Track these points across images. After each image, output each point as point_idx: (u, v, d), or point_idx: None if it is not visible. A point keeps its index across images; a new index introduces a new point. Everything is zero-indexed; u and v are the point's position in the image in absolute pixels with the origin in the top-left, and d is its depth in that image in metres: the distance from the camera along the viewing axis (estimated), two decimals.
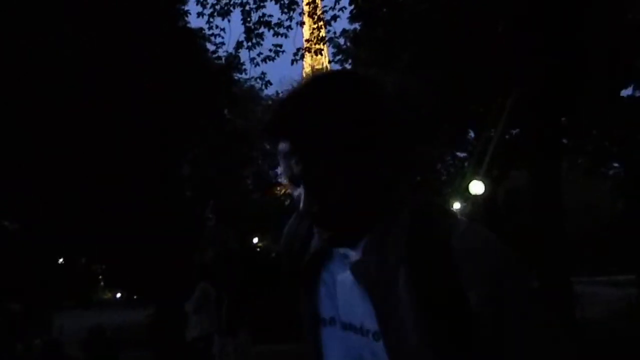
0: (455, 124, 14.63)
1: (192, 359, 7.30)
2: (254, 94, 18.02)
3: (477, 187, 14.82)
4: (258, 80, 11.53)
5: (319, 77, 0.99)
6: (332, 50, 19.29)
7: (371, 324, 0.90)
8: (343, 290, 0.96)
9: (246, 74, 12.00)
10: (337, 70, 1.03)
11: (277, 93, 19.22)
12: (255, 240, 22.43)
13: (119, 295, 30.82)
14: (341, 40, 17.04)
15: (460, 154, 22.13)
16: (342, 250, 0.96)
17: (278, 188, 21.25)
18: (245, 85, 16.07)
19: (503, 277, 0.83)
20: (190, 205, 15.24)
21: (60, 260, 14.96)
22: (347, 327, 0.95)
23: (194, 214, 15.52)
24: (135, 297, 22.92)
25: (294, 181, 0.94)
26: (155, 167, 11.38)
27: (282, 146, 0.93)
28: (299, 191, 0.94)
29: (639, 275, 16.66)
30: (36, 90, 7.47)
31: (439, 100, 10.75)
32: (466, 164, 22.05)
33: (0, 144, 7.53)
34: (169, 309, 12.32)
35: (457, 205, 24.73)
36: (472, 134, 18.84)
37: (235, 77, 12.90)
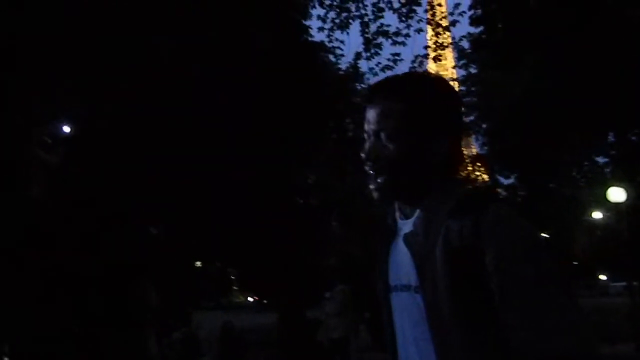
0: (591, 127, 13.61)
1: (330, 359, 7.55)
2: None
3: (617, 194, 13.66)
4: None
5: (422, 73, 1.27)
6: (456, 55, 18.96)
7: (414, 281, 1.12)
8: (400, 257, 1.17)
9: (365, 84, 12.19)
10: (430, 73, 1.27)
11: None
12: None
13: (250, 299, 32.38)
14: (464, 44, 16.67)
15: (600, 160, 20.43)
16: (400, 225, 1.20)
17: None
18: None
19: (511, 248, 1.01)
20: (315, 212, 15.71)
21: (198, 263, 16.17)
22: (402, 288, 1.17)
23: (319, 221, 15.97)
24: (264, 301, 23.89)
25: (375, 154, 1.15)
26: (282, 176, 11.94)
27: (382, 109, 1.16)
28: (369, 167, 1.16)
29: None
30: (174, 102, 8.22)
31: (568, 103, 10.13)
32: (607, 169, 20.37)
33: (145, 155, 8.37)
34: (296, 312, 12.81)
35: (597, 215, 22.79)
36: (612, 137, 17.37)
37: (356, 87, 13.16)
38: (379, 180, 1.16)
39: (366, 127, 1.19)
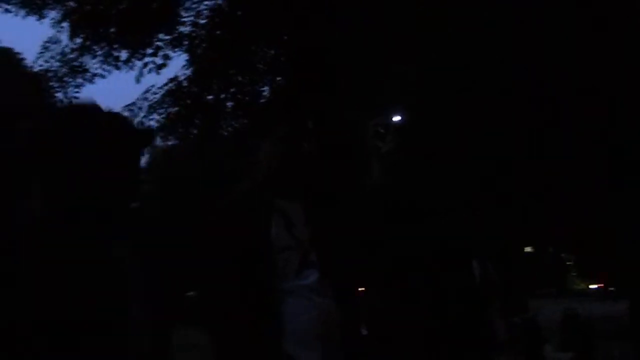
0: None
1: None
2: None
3: None
4: None
5: None
6: None
7: None
8: None
9: None
10: None
11: None
12: None
13: (593, 285, 29.70)
14: None
15: None
16: None
17: None
18: None
19: None
20: None
21: (528, 249, 15.56)
22: None
23: None
24: (610, 288, 21.75)
25: None
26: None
27: None
28: None
29: None
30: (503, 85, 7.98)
31: None
32: None
33: (473, 140, 8.35)
34: None
35: None
36: None
37: None
38: None
39: None
